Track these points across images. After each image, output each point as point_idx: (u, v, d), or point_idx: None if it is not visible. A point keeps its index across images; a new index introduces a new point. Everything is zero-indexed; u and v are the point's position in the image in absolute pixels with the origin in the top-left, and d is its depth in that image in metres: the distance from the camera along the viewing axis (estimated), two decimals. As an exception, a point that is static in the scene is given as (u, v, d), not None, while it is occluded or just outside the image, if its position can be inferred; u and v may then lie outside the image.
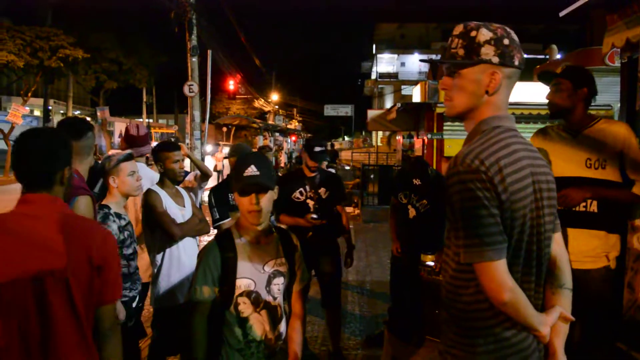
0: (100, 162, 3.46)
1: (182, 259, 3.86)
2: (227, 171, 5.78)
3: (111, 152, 3.58)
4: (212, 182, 5.09)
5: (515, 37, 1.79)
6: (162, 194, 3.82)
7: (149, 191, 3.81)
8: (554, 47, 16.41)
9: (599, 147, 3.08)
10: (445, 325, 1.86)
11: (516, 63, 1.77)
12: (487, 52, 1.74)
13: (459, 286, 1.77)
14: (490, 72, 1.76)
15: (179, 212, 3.86)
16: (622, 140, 3.04)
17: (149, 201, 3.75)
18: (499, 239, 1.66)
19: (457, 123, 11.43)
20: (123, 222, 3.35)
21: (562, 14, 4.73)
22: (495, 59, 1.75)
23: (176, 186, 4.02)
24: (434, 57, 42.02)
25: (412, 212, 5.05)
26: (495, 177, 1.66)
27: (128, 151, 3.68)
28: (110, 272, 1.93)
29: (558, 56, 16.49)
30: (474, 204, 1.65)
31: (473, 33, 1.76)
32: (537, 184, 1.76)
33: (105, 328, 1.94)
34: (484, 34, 1.75)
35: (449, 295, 1.81)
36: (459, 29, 1.80)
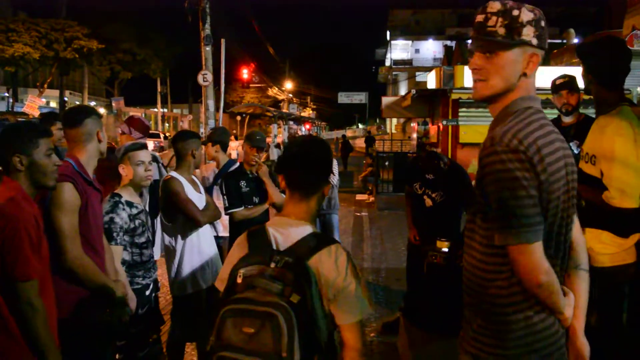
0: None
1: (201, 245, 3.90)
2: (240, 159, 5.76)
3: (128, 142, 3.60)
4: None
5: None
6: (183, 180, 3.86)
7: (171, 178, 3.84)
8: (572, 31, 16.19)
9: (593, 140, 2.96)
10: (471, 312, 1.83)
11: (546, 46, 1.76)
12: (528, 33, 1.71)
13: (489, 271, 1.74)
14: (530, 54, 1.73)
15: (198, 198, 3.90)
16: (604, 141, 2.85)
17: (172, 188, 3.77)
18: (537, 220, 1.63)
19: (472, 109, 11.30)
20: (135, 211, 3.37)
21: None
22: (535, 41, 1.72)
23: (191, 175, 4.06)
24: (448, 43, 41.61)
25: (428, 202, 5.02)
26: (535, 157, 1.63)
27: (140, 141, 3.70)
28: (10, 253, 2.17)
29: (575, 40, 16.25)
30: (512, 184, 1.61)
31: (515, 12, 1.71)
32: (568, 166, 1.74)
33: (21, 304, 2.19)
34: (527, 14, 1.72)
35: (477, 280, 1.78)
36: (495, 6, 1.73)
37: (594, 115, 3.23)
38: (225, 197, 4.41)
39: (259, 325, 1.67)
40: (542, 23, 1.73)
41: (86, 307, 2.81)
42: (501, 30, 1.71)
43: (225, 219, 4.63)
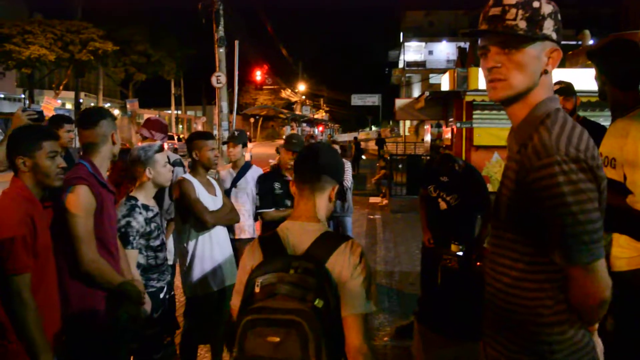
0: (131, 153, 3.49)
1: (214, 247, 3.91)
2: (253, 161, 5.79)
3: (142, 143, 3.62)
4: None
5: None
6: (195, 182, 3.89)
7: (183, 179, 3.89)
8: (587, 32, 15.98)
9: (613, 144, 2.85)
10: (502, 332, 1.70)
11: (561, 41, 1.64)
12: (549, 26, 1.59)
13: (532, 289, 1.61)
14: (550, 50, 1.61)
15: (211, 200, 3.93)
16: (627, 145, 2.75)
17: (182, 189, 3.82)
18: (601, 235, 1.51)
19: (486, 111, 11.23)
20: (150, 214, 3.37)
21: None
22: (554, 35, 1.60)
23: (208, 177, 4.10)
24: (462, 45, 41.40)
25: (442, 205, 4.99)
26: (593, 164, 1.51)
27: (159, 142, 3.72)
28: (3, 247, 2.30)
29: (591, 42, 16.08)
30: (579, 197, 1.47)
31: (536, 4, 1.58)
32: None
33: (11, 296, 2.33)
34: (547, 6, 1.59)
35: (515, 301, 1.64)
36: None
37: (595, 119, 3.21)
38: (258, 197, 4.52)
39: (284, 334, 1.64)
40: (559, 17, 1.61)
41: (104, 308, 2.84)
42: (522, 24, 1.57)
43: (242, 221, 4.66)
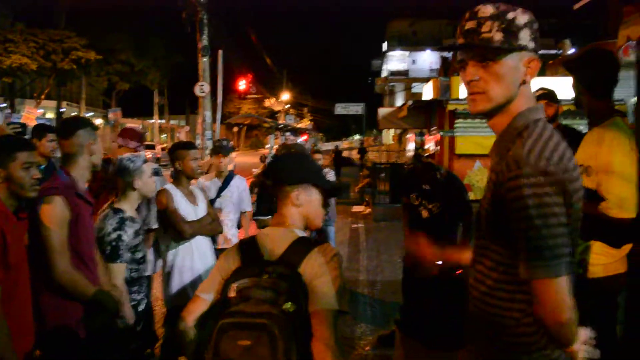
0: (114, 163, 3.45)
1: (194, 258, 3.90)
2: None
3: (127, 154, 3.58)
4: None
5: None
6: (175, 192, 3.90)
7: (162, 190, 3.90)
8: (567, 41, 16.20)
9: (588, 152, 2.92)
10: (481, 342, 1.71)
11: (540, 50, 1.64)
12: (525, 36, 1.59)
13: (505, 299, 1.61)
14: (528, 60, 1.61)
15: (191, 210, 3.91)
16: (601, 154, 2.83)
17: (161, 199, 3.84)
18: (566, 252, 1.49)
19: (469, 120, 11.32)
20: (137, 226, 3.35)
21: (576, 7, 4.67)
22: (531, 45, 1.60)
23: (190, 186, 4.12)
24: (445, 54, 41.74)
25: (425, 213, 4.99)
26: (565, 177, 1.49)
27: (143, 154, 3.71)
28: None
29: (571, 51, 16.30)
30: (543, 211, 1.46)
31: (511, 15, 1.58)
32: (581, 182, 1.61)
33: None
34: (522, 17, 1.59)
35: (491, 309, 1.65)
36: (487, 10, 1.59)
37: (576, 127, 3.26)
38: (255, 204, 4.57)
39: (255, 337, 1.66)
40: (536, 25, 1.62)
41: (80, 321, 2.79)
42: (498, 36, 1.58)
43: (226, 231, 4.65)
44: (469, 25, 1.63)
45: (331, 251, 1.88)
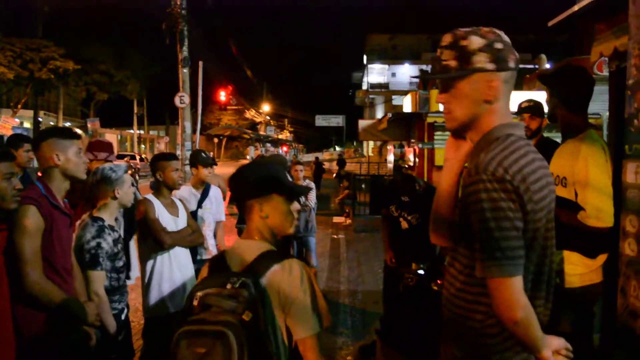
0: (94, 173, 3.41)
1: (173, 268, 3.88)
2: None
3: (107, 164, 3.56)
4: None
5: (507, 38, 1.71)
6: (156, 203, 3.91)
7: (143, 200, 3.91)
8: (543, 56, 16.56)
9: (563, 163, 3.00)
10: (449, 343, 1.79)
11: (512, 65, 1.70)
12: (480, 59, 1.67)
13: (470, 301, 1.70)
14: (487, 80, 1.68)
15: (172, 221, 3.92)
16: (577, 166, 2.90)
17: (142, 209, 3.83)
18: (520, 253, 1.58)
19: (447, 132, 11.46)
20: (116, 235, 3.33)
21: (550, 23, 4.78)
22: (490, 66, 1.67)
23: (172, 197, 4.12)
24: (424, 67, 42.20)
25: (404, 224, 5.06)
26: (521, 186, 1.59)
27: (124, 163, 3.71)
28: None
29: (547, 65, 16.63)
30: (497, 214, 1.57)
31: (463, 42, 1.68)
32: (551, 194, 1.70)
33: None
34: (475, 42, 1.67)
35: (458, 311, 1.74)
36: (447, 39, 1.72)
37: (557, 139, 3.32)
38: (238, 213, 4.56)
39: (211, 345, 1.67)
40: (498, 45, 1.68)
41: (53, 331, 2.74)
42: (453, 63, 1.70)
43: (206, 243, 4.67)
44: (437, 53, 1.77)
45: (297, 266, 1.87)
